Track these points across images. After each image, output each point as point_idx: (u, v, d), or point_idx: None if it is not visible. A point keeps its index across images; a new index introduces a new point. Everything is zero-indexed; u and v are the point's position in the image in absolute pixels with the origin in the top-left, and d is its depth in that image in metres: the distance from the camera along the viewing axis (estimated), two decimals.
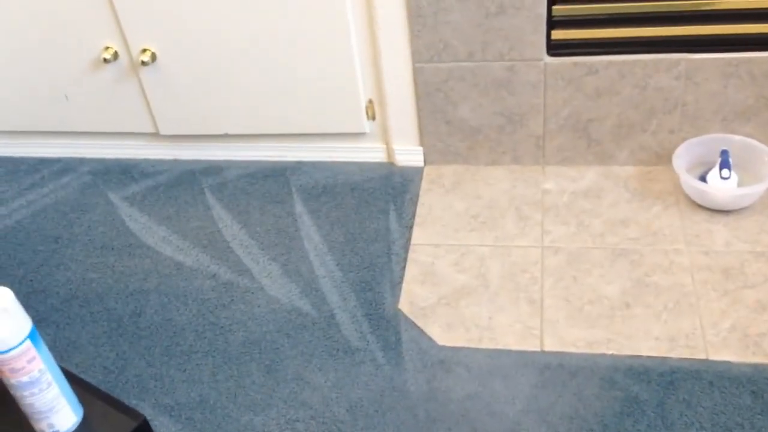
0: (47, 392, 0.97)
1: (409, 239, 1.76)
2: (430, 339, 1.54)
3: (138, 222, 1.90)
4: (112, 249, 1.84)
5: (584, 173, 1.86)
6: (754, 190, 1.67)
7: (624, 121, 1.81)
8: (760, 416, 1.35)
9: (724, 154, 1.73)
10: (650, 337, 1.49)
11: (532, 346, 1.50)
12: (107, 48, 1.88)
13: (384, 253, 1.74)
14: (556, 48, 1.75)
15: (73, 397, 1.01)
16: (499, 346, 1.51)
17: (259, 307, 1.66)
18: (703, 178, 1.73)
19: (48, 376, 0.97)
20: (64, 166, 2.10)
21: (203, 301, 1.68)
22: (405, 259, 1.71)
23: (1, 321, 0.91)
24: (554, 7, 1.69)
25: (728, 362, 1.43)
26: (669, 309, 1.53)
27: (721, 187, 1.70)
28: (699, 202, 1.73)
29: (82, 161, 2.11)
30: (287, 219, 1.86)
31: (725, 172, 1.71)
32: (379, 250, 1.75)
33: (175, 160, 2.08)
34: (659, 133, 1.81)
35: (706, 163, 1.77)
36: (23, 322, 0.94)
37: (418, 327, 1.57)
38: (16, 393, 0.96)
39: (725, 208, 1.71)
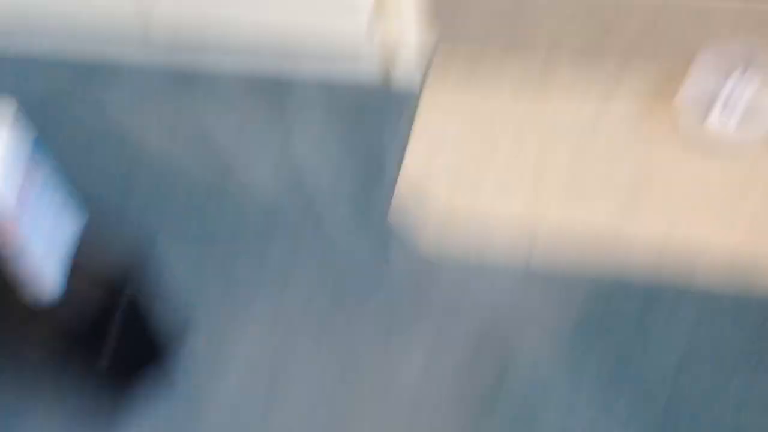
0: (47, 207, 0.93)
1: (403, 154, 1.73)
2: (419, 247, 1.52)
3: (126, 122, 1.84)
4: (99, 146, 1.78)
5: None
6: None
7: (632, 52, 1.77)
8: None
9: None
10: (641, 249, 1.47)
11: (521, 255, 1.49)
12: None
13: (378, 167, 1.70)
14: None
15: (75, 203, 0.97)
16: (489, 255, 1.49)
17: (247, 206, 1.62)
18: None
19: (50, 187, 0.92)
20: (51, 66, 2.02)
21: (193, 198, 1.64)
22: (398, 173, 1.68)
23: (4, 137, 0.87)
24: None
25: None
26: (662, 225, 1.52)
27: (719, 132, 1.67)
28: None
29: (67, 61, 2.03)
30: (281, 131, 1.81)
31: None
32: (373, 164, 1.72)
33: (165, 67, 2.01)
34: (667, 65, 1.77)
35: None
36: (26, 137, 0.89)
37: (408, 237, 1.54)
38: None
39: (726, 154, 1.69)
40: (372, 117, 1.83)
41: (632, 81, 1.82)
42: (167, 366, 1.38)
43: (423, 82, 1.90)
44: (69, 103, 1.90)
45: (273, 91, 1.91)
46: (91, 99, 1.90)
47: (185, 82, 1.96)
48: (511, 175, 1.66)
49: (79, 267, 0.98)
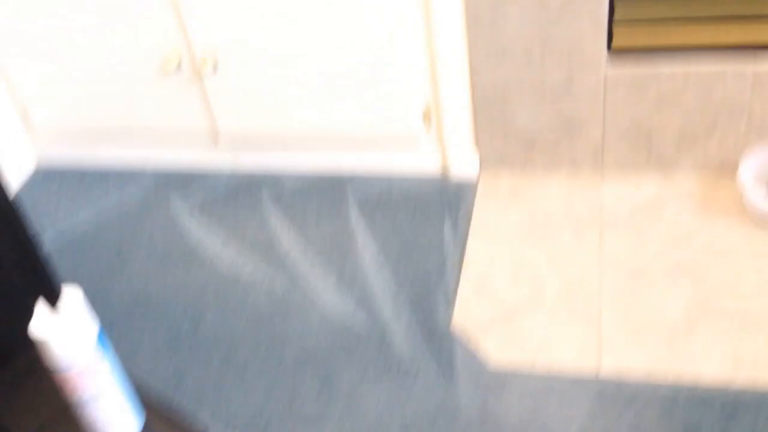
0: (112, 401, 0.99)
1: (463, 252, 1.75)
2: (484, 358, 1.53)
3: (197, 232, 1.93)
4: (172, 259, 1.87)
5: (644, 184, 1.81)
6: None
7: (687, 130, 1.75)
8: None
9: None
10: (713, 362, 1.45)
11: (588, 368, 1.48)
12: (172, 56, 1.91)
13: (439, 266, 1.73)
14: (617, 54, 1.70)
15: (134, 405, 1.03)
16: (555, 367, 1.49)
17: (313, 321, 1.67)
18: None
19: (114, 383, 0.99)
20: (128, 177, 2.14)
21: (259, 314, 1.71)
22: (459, 273, 1.70)
23: (74, 326, 0.94)
24: (616, 10, 1.64)
25: None
26: (733, 333, 1.49)
27: None
28: (762, 221, 1.67)
29: (143, 171, 2.15)
30: (343, 231, 1.86)
31: None
32: (434, 262, 1.74)
33: (234, 171, 2.10)
34: (724, 142, 1.74)
35: None
36: (93, 326, 0.96)
37: (473, 344, 1.56)
38: (83, 403, 0.98)
39: None
40: (431, 210, 1.86)
41: (690, 158, 1.78)
42: None
43: (479, 172, 1.92)
44: (143, 217, 2.00)
45: (334, 188, 1.97)
46: (163, 213, 2.00)
47: (251, 185, 2.04)
48: (574, 279, 1.65)
49: None
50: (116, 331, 1.73)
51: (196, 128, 2.05)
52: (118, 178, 2.14)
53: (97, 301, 1.81)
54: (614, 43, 1.69)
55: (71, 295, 0.95)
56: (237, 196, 2.01)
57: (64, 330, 0.93)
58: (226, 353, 1.64)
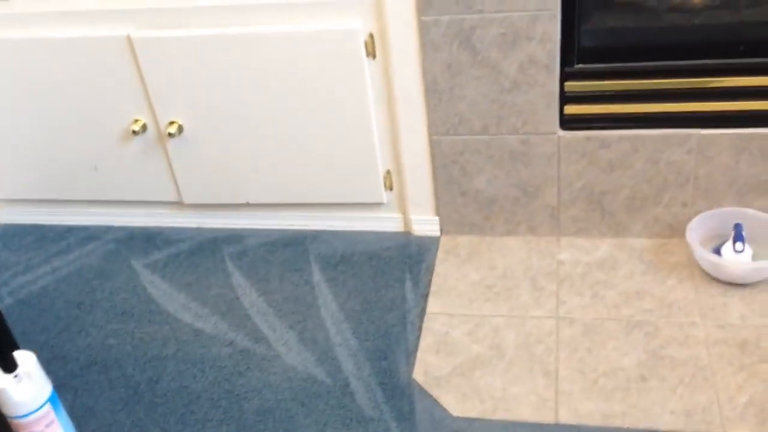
0: None
1: (424, 308, 1.78)
2: (444, 409, 1.54)
3: (159, 289, 1.94)
4: (133, 315, 1.87)
5: (599, 245, 1.88)
6: None
7: (637, 194, 1.83)
8: None
9: (738, 227, 1.74)
10: (666, 411, 1.48)
11: (546, 418, 1.50)
12: (136, 121, 1.96)
13: (399, 322, 1.75)
14: (569, 122, 1.79)
15: None
16: (514, 418, 1.51)
17: (274, 374, 1.67)
18: (717, 251, 1.74)
19: None
20: (90, 234, 2.16)
21: (220, 369, 1.70)
22: (420, 329, 1.73)
23: (23, 385, 0.94)
24: (566, 84, 1.75)
25: None
26: (685, 383, 1.53)
27: (735, 261, 1.71)
28: (713, 275, 1.74)
29: (107, 229, 2.17)
30: (305, 287, 1.88)
31: (739, 245, 1.72)
32: (395, 319, 1.76)
33: (198, 229, 2.13)
34: (673, 206, 1.83)
35: (719, 236, 1.78)
36: (44, 387, 0.97)
37: (433, 397, 1.57)
38: None
39: (740, 282, 1.71)
40: (392, 268, 1.90)
41: (641, 220, 1.86)
42: None
43: (440, 232, 1.98)
44: (104, 273, 2.01)
45: (297, 246, 2.00)
46: (124, 269, 2.01)
47: (214, 243, 2.06)
48: (531, 335, 1.69)
49: None
50: (74, 385, 1.70)
51: (160, 191, 2.09)
52: (80, 236, 2.15)
53: (55, 355, 1.79)
54: (566, 111, 1.79)
55: (25, 357, 0.97)
56: (199, 253, 2.03)
57: (18, 382, 0.94)
58: (186, 408, 1.62)
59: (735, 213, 1.78)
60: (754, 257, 1.73)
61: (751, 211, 1.77)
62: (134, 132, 1.96)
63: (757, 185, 1.77)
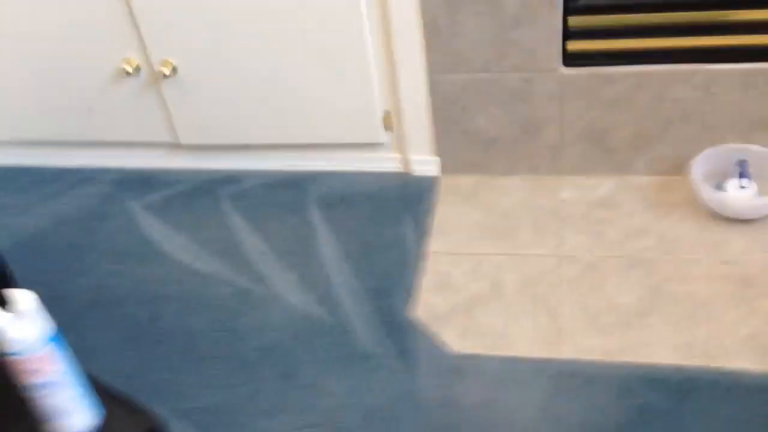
0: (68, 392, 0.99)
1: (424, 248, 1.77)
2: (444, 346, 1.55)
3: (157, 230, 1.92)
4: (131, 256, 1.86)
5: (600, 183, 1.86)
6: None
7: (641, 132, 1.81)
8: None
9: (743, 163, 1.72)
10: (667, 345, 1.48)
11: (547, 353, 1.50)
12: (129, 61, 1.92)
13: (400, 262, 1.75)
14: (571, 59, 1.76)
15: (92, 398, 1.03)
16: (515, 353, 1.51)
17: (275, 314, 1.67)
18: (720, 188, 1.73)
19: (68, 379, 0.99)
20: (86, 176, 2.13)
21: (220, 308, 1.70)
22: (420, 268, 1.72)
23: (26, 323, 0.94)
24: (569, 18, 1.70)
25: (745, 370, 1.42)
26: (686, 318, 1.53)
27: (739, 196, 1.69)
28: (717, 210, 1.72)
29: (103, 171, 2.14)
30: (304, 228, 1.87)
31: (744, 182, 1.70)
32: (395, 258, 1.76)
33: (195, 170, 2.10)
34: (676, 143, 1.81)
35: (723, 173, 1.76)
36: (47, 325, 0.96)
37: (433, 334, 1.57)
38: (38, 393, 0.98)
39: (744, 218, 1.70)
40: (392, 208, 1.89)
41: (643, 158, 1.84)
42: None
43: (440, 172, 1.96)
44: (101, 215, 1.99)
45: (296, 187, 1.99)
46: (121, 211, 1.99)
47: (211, 184, 2.04)
48: (532, 274, 1.69)
49: None
50: (75, 325, 1.70)
51: (156, 132, 2.06)
52: (75, 178, 2.13)
53: (55, 296, 1.78)
54: (569, 48, 1.75)
55: (26, 296, 0.95)
56: (197, 194, 2.02)
57: (17, 319, 0.93)
58: (186, 347, 1.63)
59: (739, 149, 1.76)
60: (759, 193, 1.71)
61: (755, 147, 1.75)
62: (127, 73, 1.92)
63: (761, 121, 1.74)
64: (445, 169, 1.96)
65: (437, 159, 1.95)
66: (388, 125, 1.93)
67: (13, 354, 0.94)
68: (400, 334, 1.59)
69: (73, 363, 1.00)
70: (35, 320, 0.96)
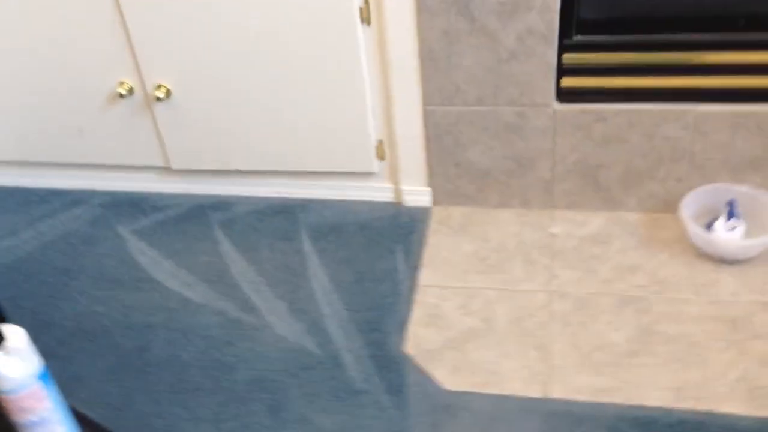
0: (55, 430, 0.97)
1: (416, 280, 1.77)
2: (435, 382, 1.54)
3: (147, 256, 1.91)
4: (120, 282, 1.84)
5: (592, 219, 1.87)
6: (761, 241, 1.68)
7: (632, 169, 1.82)
8: None
9: (732, 203, 1.73)
10: (657, 386, 1.48)
11: (538, 392, 1.50)
12: (123, 83, 1.91)
13: (391, 294, 1.74)
14: (565, 95, 1.77)
15: None
16: (505, 392, 1.51)
17: (265, 345, 1.66)
18: (709, 227, 1.74)
19: (55, 416, 0.97)
20: (76, 198, 2.11)
21: (209, 338, 1.69)
22: (411, 301, 1.72)
23: (13, 362, 0.92)
24: (564, 56, 1.72)
25: (735, 415, 1.42)
26: (676, 359, 1.53)
27: (728, 237, 1.71)
28: (706, 251, 1.74)
29: (93, 194, 2.12)
30: (295, 257, 1.86)
31: (732, 222, 1.72)
32: (386, 290, 1.75)
33: (186, 195, 2.09)
34: (667, 181, 1.82)
35: (713, 212, 1.78)
36: (34, 363, 0.94)
37: (424, 370, 1.57)
38: (26, 426, 0.96)
39: (732, 258, 1.71)
40: (384, 239, 1.88)
41: (635, 195, 1.86)
42: None
43: (432, 203, 1.96)
44: (90, 239, 1.97)
45: (287, 215, 1.98)
46: (111, 235, 1.97)
47: (202, 210, 2.03)
48: (523, 309, 1.69)
49: None
50: (61, 353, 1.68)
51: (147, 156, 2.04)
52: (65, 200, 2.11)
53: (41, 322, 1.76)
54: (563, 84, 1.76)
55: (16, 333, 0.94)
56: (187, 220, 2.00)
57: (8, 356, 0.92)
58: (175, 378, 1.61)
59: (729, 189, 1.77)
60: (747, 234, 1.73)
61: (745, 188, 1.77)
62: (121, 95, 1.92)
63: (751, 162, 1.76)
64: (437, 200, 1.96)
65: (429, 190, 1.95)
66: (381, 155, 1.93)
67: (2, 392, 0.92)
68: (391, 369, 1.58)
69: (60, 399, 0.99)
70: (25, 357, 0.94)
